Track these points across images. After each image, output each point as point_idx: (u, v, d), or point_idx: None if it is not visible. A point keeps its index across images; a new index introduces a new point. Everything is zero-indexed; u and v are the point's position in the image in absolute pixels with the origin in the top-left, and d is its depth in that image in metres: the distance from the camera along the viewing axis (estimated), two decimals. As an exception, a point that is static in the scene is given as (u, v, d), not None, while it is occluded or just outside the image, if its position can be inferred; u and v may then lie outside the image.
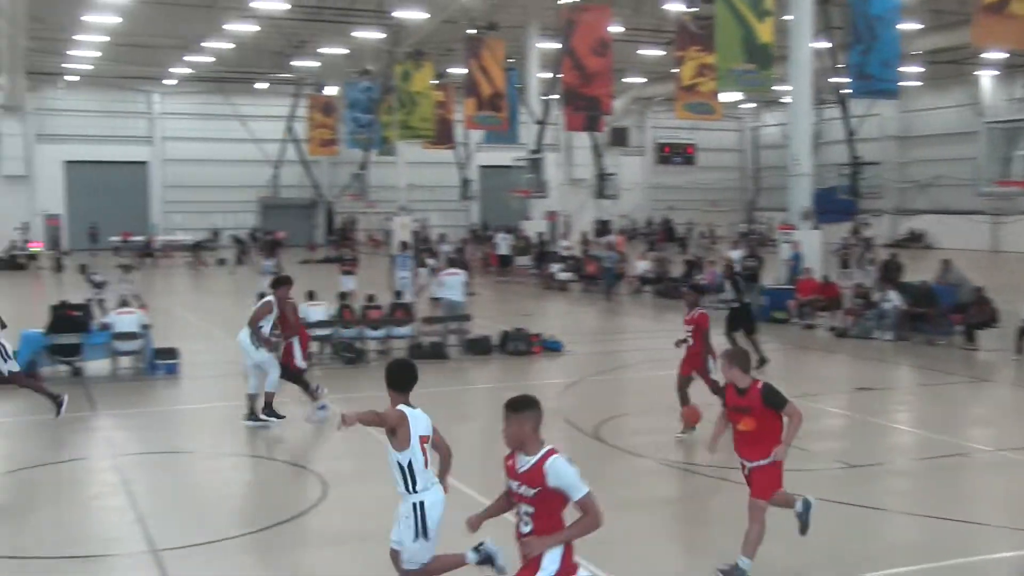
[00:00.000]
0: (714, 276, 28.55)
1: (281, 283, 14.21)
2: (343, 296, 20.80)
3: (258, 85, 56.12)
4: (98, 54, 45.13)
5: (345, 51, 45.11)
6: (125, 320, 17.63)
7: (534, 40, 40.07)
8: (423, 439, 6.80)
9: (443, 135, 48.15)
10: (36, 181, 55.20)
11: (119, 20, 35.63)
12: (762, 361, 17.50)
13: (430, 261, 28.69)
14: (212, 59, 46.79)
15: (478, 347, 19.92)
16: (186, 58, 47.09)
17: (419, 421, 6.82)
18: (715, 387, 12.64)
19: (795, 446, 7.92)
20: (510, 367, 19.03)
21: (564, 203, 54.53)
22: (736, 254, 28.60)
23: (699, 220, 61.12)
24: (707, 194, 67.79)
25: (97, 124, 56.73)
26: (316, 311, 19.22)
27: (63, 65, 49.64)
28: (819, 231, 26.75)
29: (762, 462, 7.84)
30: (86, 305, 18.95)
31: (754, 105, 67.03)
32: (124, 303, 19.97)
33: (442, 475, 7.23)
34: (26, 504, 10.81)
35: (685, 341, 13.40)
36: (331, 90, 54.46)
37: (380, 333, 19.68)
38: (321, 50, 44.85)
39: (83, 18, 35.83)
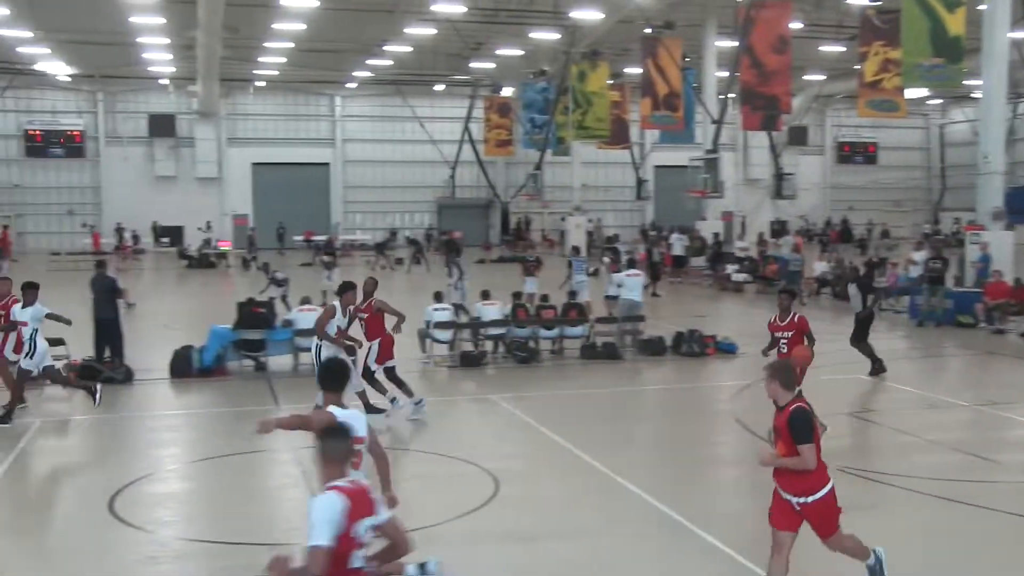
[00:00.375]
0: (896, 278, 27.45)
1: (346, 288, 13.92)
2: (517, 295, 20.87)
3: (436, 87, 57.21)
4: (284, 60, 46.96)
5: (521, 52, 45.44)
6: (307, 317, 18.15)
7: (712, 38, 39.32)
8: (355, 440, 6.54)
9: (618, 135, 47.87)
10: (226, 182, 58.00)
11: (304, 27, 36.92)
12: (877, 368, 17.01)
13: (605, 260, 28.59)
14: (391, 62, 47.95)
15: (652, 348, 19.64)
16: (367, 61, 48.43)
17: (352, 422, 6.64)
18: None
19: (980, 456, 7.38)
20: (683, 368, 18.69)
21: (740, 203, 53.45)
22: (919, 256, 27.41)
23: (879, 221, 58.85)
24: (889, 194, 65.23)
25: (283, 127, 59.12)
26: (490, 310, 19.34)
27: (253, 71, 51.92)
28: (1011, 232, 25.33)
29: (808, 499, 7.07)
30: (270, 302, 19.63)
31: (941, 101, 64.01)
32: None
33: (384, 484, 7.11)
34: (213, 492, 11.25)
35: (775, 347, 12.70)
36: (507, 91, 54.99)
37: (553, 333, 19.64)
38: (498, 51, 45.30)
39: (273, 26, 37.31)
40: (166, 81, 54.20)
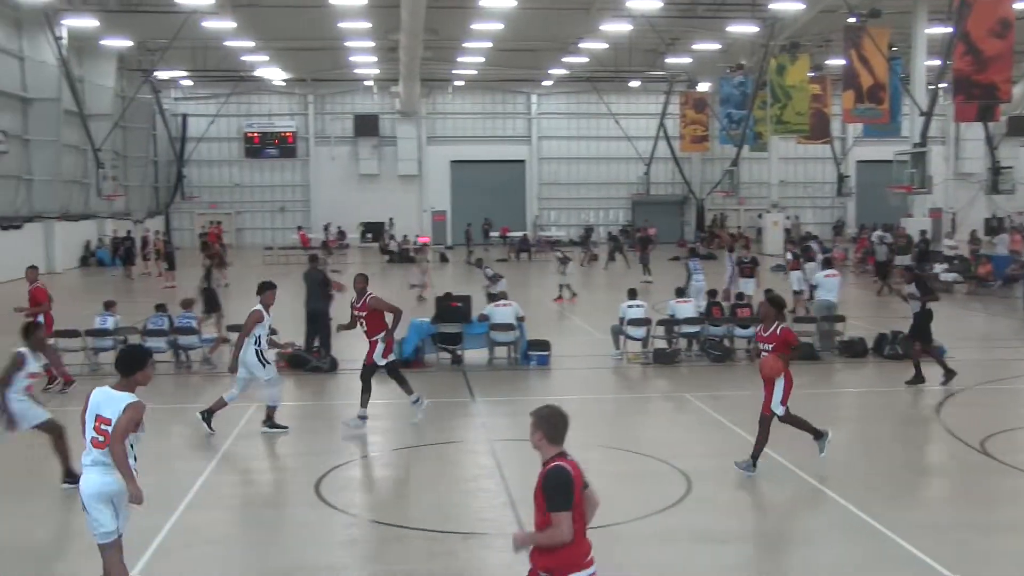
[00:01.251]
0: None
1: (265, 288, 13.62)
2: (712, 293, 20.62)
3: (631, 83, 57.06)
4: (482, 59, 47.90)
5: (718, 46, 44.74)
6: (503, 312, 18.51)
7: (922, 25, 37.54)
8: (99, 419, 7.12)
9: (819, 129, 46.46)
10: (425, 180, 59.71)
11: (502, 26, 37.57)
12: (949, 374, 16.20)
13: (787, 257, 27.88)
14: (587, 59, 48.14)
15: (852, 350, 19.03)
16: (563, 59, 48.80)
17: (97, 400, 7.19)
18: (782, 420, 11.36)
19: None
20: (885, 372, 17.98)
21: (949, 199, 50.86)
22: None
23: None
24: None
25: (480, 125, 60.35)
26: (685, 308, 19.20)
27: (452, 71, 53.21)
28: None
29: None
30: (468, 297, 20.10)
31: None
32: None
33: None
34: (412, 479, 11.67)
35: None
36: (703, 86, 54.27)
37: (749, 332, 19.28)
38: (694, 46, 44.77)
39: (471, 26, 38.15)
40: (371, 83, 56.32)
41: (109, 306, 18.57)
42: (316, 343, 18.30)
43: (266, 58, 46.80)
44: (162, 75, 50.88)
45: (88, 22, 38.98)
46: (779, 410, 11.16)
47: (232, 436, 13.05)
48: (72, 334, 17.92)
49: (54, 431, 10.73)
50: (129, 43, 44.02)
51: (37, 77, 40.89)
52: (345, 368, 17.86)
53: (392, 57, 44.38)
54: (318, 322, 18.44)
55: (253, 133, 59.19)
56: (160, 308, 18.64)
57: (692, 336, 19.14)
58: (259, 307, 13.22)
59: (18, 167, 40.23)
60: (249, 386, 13.35)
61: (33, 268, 18.34)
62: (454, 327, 18.32)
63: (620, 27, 39.65)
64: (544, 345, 18.58)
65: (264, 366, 13.13)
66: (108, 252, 44.71)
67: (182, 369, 18.17)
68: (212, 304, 20.65)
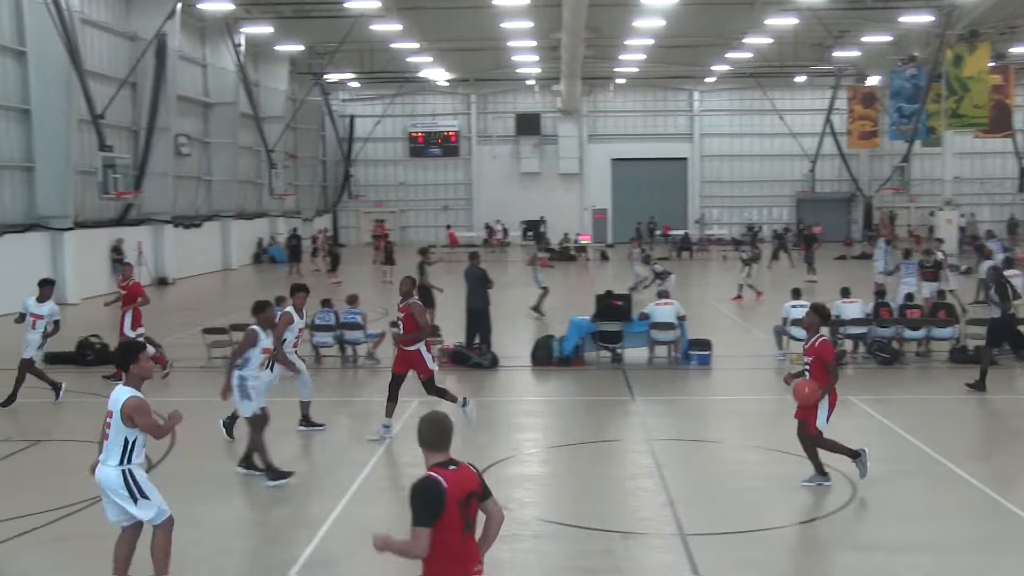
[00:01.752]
0: None
1: (296, 290, 13.64)
2: (880, 293, 19.94)
3: (796, 78, 55.64)
4: (643, 57, 47.58)
5: (889, 38, 43.13)
6: (663, 311, 18.38)
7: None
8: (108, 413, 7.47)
9: (999, 122, 44.17)
10: (586, 178, 59.77)
11: (664, 23, 37.24)
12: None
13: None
14: (751, 54, 47.22)
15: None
16: (726, 55, 48.00)
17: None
18: (815, 440, 10.51)
19: None
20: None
21: None
22: None
23: None
24: None
25: (641, 123, 60.01)
26: (850, 308, 18.62)
27: (613, 69, 53.07)
28: None
29: None
30: (628, 295, 20.04)
31: None
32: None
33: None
34: (570, 477, 11.72)
35: (801, 375, 10.90)
36: (873, 80, 52.43)
37: (919, 334, 18.56)
38: (863, 38, 43.29)
39: (633, 24, 37.96)
40: (532, 82, 56.74)
41: (279, 301, 19.28)
42: (477, 340, 18.59)
43: (430, 59, 47.77)
44: (331, 78, 52.57)
45: (264, 29, 40.70)
46: (824, 428, 10.51)
47: (396, 429, 13.38)
48: (243, 328, 18.72)
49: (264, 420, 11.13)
50: (301, 48, 45.73)
51: (217, 83, 42.97)
52: (505, 365, 18.10)
53: (554, 56, 44.60)
54: (478, 319, 18.73)
55: (417, 133, 60.57)
56: (326, 304, 19.27)
57: (858, 337, 18.55)
58: (290, 309, 13.16)
59: (198, 168, 42.34)
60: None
61: (128, 265, 19.13)
62: (614, 325, 18.29)
63: (786, 21, 38.69)
64: (705, 344, 18.36)
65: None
66: (281, 249, 46.49)
67: (347, 363, 18.74)
68: (428, 300, 20.90)
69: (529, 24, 37.48)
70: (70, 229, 29.89)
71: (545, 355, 18.18)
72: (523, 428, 14.07)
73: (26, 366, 15.12)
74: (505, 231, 54.75)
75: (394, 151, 61.20)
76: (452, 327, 18.96)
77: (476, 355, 18.16)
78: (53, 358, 17.80)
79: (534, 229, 55.95)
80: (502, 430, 13.93)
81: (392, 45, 43.43)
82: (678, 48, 45.82)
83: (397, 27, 38.18)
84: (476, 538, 5.51)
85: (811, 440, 10.58)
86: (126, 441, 7.49)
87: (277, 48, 45.72)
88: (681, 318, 18.42)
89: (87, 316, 25.61)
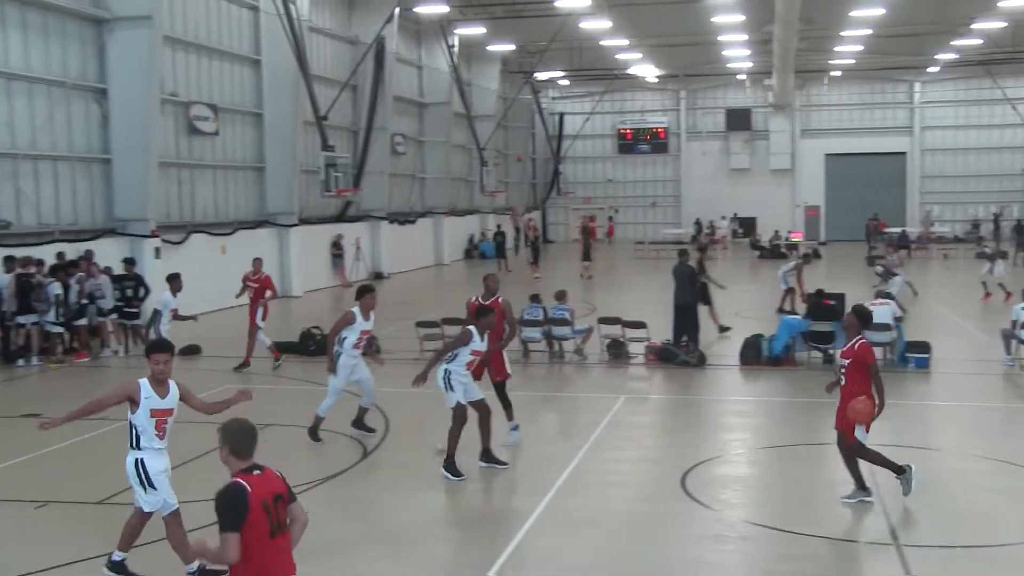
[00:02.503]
0: None
1: (364, 292, 12.54)
2: None
3: (1031, 66, 52.20)
4: (860, 48, 45.79)
5: None
6: (879, 311, 17.70)
7: None
8: (154, 412, 7.91)
9: None
10: (798, 174, 58.11)
11: (884, 11, 35.75)
12: None
13: None
14: (980, 41, 44.60)
15: None
16: (951, 43, 45.53)
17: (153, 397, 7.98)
18: (856, 450, 9.73)
19: None
20: None
21: None
22: None
23: None
24: None
25: (856, 117, 57.81)
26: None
27: (828, 62, 51.33)
28: None
29: None
30: (841, 294, 19.40)
31: None
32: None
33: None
34: (778, 479, 11.50)
35: (838, 382, 10.21)
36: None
37: None
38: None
39: (850, 14, 36.64)
40: (743, 76, 55.66)
41: (535, 299, 19.73)
42: (684, 338, 18.47)
43: (639, 56, 47.64)
44: (541, 76, 53.26)
45: (476, 30, 41.69)
46: (864, 438, 9.98)
47: (602, 425, 13.50)
48: (457, 321, 19.30)
49: (483, 410, 11.38)
50: (512, 47, 46.54)
51: (432, 83, 44.40)
52: (713, 364, 17.91)
53: (766, 49, 43.57)
54: (686, 316, 18.61)
55: (626, 130, 60.59)
56: (535, 299, 19.59)
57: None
58: (355, 309, 12.43)
59: (413, 167, 43.85)
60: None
61: (259, 260, 19.85)
62: (826, 325, 17.77)
63: (1022, 3, 36.33)
64: (924, 347, 17.58)
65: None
66: (491, 245, 47.54)
67: (554, 359, 19.00)
68: (706, 297, 21.12)
69: (741, 18, 36.80)
70: (295, 225, 31.62)
71: (754, 354, 17.88)
72: (730, 428, 13.90)
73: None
74: (713, 228, 54.00)
75: (602, 148, 61.45)
76: (659, 324, 18.91)
77: (683, 353, 18.06)
78: (278, 347, 18.92)
79: (745, 227, 55.11)
80: (709, 430, 13.81)
81: (602, 42, 43.57)
82: (898, 38, 43.86)
83: (607, 24, 38.29)
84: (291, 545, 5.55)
85: (852, 452, 10.06)
86: (131, 427, 8.00)
87: (489, 48, 46.70)
88: (898, 319, 17.71)
89: (309, 308, 27.06)
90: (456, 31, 42.32)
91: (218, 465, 5.68)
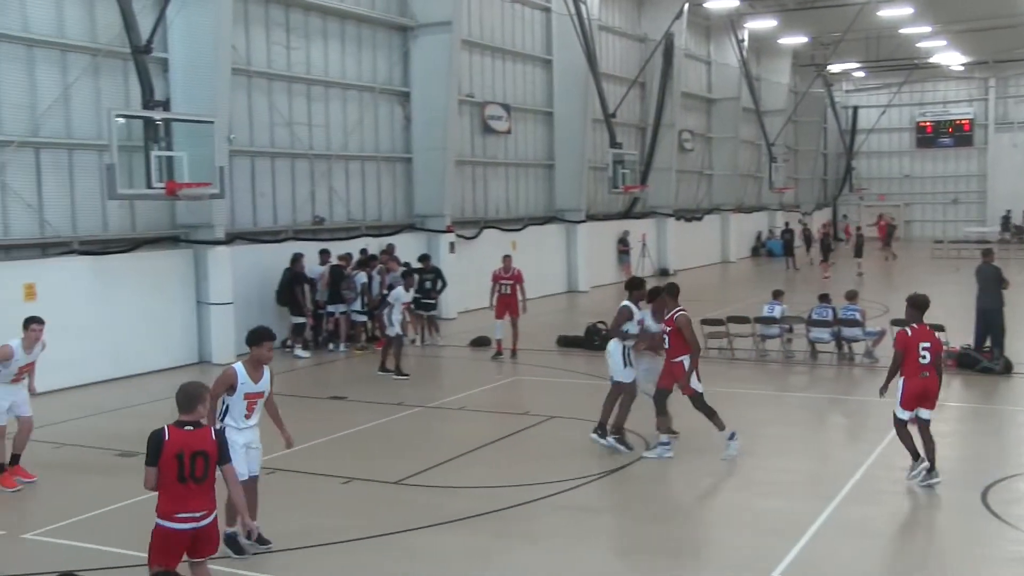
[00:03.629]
0: None
1: (633, 286, 12.34)
2: None
3: None
4: None
5: None
6: None
7: None
8: (246, 395, 8.61)
9: None
10: None
11: None
12: None
13: None
14: None
15: None
16: None
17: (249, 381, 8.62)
18: None
19: None
20: None
21: None
22: None
23: None
24: None
25: None
26: None
27: None
28: None
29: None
30: None
31: None
32: None
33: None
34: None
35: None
36: None
37: None
38: None
39: None
40: (1062, 61, 51.25)
41: (777, 295, 19.44)
42: (988, 343, 17.32)
43: (943, 43, 44.95)
44: (834, 68, 51.35)
45: (767, 23, 40.83)
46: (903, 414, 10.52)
47: (893, 431, 12.93)
48: (742, 320, 19.08)
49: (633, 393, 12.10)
50: (804, 39, 45.21)
51: (720, 78, 43.94)
52: (1020, 371, 16.70)
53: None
54: (990, 320, 17.42)
55: (925, 122, 57.40)
56: (824, 299, 19.01)
57: None
58: (628, 303, 12.20)
59: (700, 163, 43.55)
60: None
61: (508, 257, 20.04)
62: None
63: None
64: None
65: (624, 367, 12.13)
66: (779, 243, 46.44)
67: (843, 360, 18.35)
68: None
69: (1061, -3, 33.98)
70: (582, 221, 32.25)
71: (1069, 364, 16.51)
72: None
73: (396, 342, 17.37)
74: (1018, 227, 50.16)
75: (899, 142, 58.45)
76: (958, 327, 17.80)
77: (986, 359, 16.92)
78: (565, 341, 19.42)
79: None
80: (1011, 443, 12.93)
81: (901, 30, 41.48)
82: None
83: (907, 11, 36.41)
84: (210, 490, 6.61)
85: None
86: (223, 402, 8.64)
87: (780, 41, 45.60)
88: None
89: (595, 303, 27.53)
90: (746, 25, 41.63)
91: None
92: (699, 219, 42.03)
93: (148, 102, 16.85)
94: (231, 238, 19.81)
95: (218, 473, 6.68)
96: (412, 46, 25.15)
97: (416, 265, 22.05)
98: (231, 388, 8.63)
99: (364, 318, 21.03)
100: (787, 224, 46.30)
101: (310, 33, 22.50)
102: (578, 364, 18.50)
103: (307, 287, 20.48)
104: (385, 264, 21.57)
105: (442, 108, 25.08)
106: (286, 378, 18.03)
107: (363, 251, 22.21)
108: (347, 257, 21.37)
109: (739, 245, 46.12)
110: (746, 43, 42.74)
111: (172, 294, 18.97)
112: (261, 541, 8.72)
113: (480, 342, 20.63)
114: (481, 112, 28.36)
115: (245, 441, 8.67)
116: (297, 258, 20.27)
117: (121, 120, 16.13)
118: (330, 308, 20.68)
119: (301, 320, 20.28)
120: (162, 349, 18.35)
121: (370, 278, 20.85)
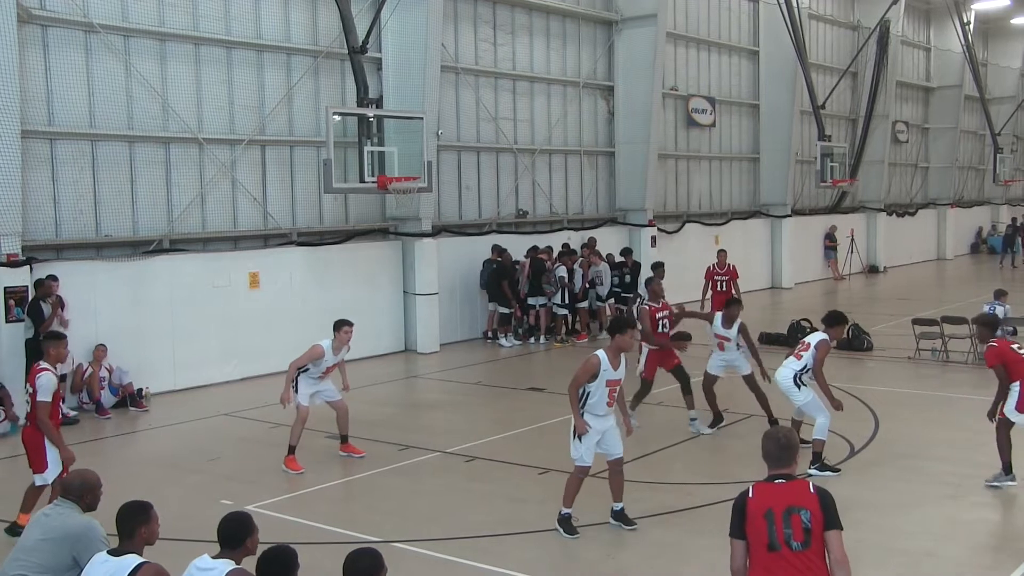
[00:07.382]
0: None
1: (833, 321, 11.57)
2: None
3: None
4: None
5: None
6: None
7: None
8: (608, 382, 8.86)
9: None
10: None
11: None
12: None
13: None
14: None
15: None
16: None
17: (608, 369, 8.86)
18: None
19: None
20: None
21: None
22: None
23: None
24: None
25: None
26: None
27: None
28: None
29: None
30: None
31: None
32: None
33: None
34: None
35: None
36: None
37: None
38: None
39: None
40: None
41: (999, 295, 18.38)
42: None
43: None
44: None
45: (997, 3, 38.49)
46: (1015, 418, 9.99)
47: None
48: (958, 321, 18.14)
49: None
50: (1039, 20, 42.43)
51: (941, 66, 41.77)
52: None
53: None
54: None
55: None
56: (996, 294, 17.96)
57: None
58: (824, 336, 11.42)
59: (915, 156, 41.58)
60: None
61: (723, 252, 19.91)
62: None
63: None
64: None
65: (799, 388, 11.32)
66: (999, 239, 43.82)
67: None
68: None
69: None
70: (788, 216, 31.42)
71: None
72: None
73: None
74: None
75: None
76: None
77: None
78: (766, 338, 19.02)
79: None
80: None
81: None
82: None
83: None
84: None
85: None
86: (584, 391, 8.89)
87: (1013, 22, 42.90)
88: None
89: (800, 300, 26.83)
90: (972, 7, 39.31)
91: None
92: (912, 214, 40.16)
93: (362, 100, 17.65)
94: (437, 230, 20.46)
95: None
96: (616, 40, 25.18)
97: (618, 259, 22.13)
98: (593, 376, 8.85)
99: (565, 311, 21.25)
100: (1014, 219, 43.52)
101: (516, 29, 22.88)
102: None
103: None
104: (587, 258, 21.73)
105: (646, 101, 25.00)
106: (488, 368, 18.48)
107: (564, 245, 22.45)
108: (548, 250, 21.64)
109: (956, 241, 43.74)
110: (972, 26, 40.34)
111: (381, 284, 19.77)
112: (627, 521, 9.23)
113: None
114: (685, 105, 28.09)
115: (601, 428, 9.03)
116: (502, 251, 20.73)
117: (337, 118, 17.01)
118: (530, 301, 21.01)
119: (507, 311, 20.77)
120: (371, 336, 19.10)
121: (571, 272, 21.05)
